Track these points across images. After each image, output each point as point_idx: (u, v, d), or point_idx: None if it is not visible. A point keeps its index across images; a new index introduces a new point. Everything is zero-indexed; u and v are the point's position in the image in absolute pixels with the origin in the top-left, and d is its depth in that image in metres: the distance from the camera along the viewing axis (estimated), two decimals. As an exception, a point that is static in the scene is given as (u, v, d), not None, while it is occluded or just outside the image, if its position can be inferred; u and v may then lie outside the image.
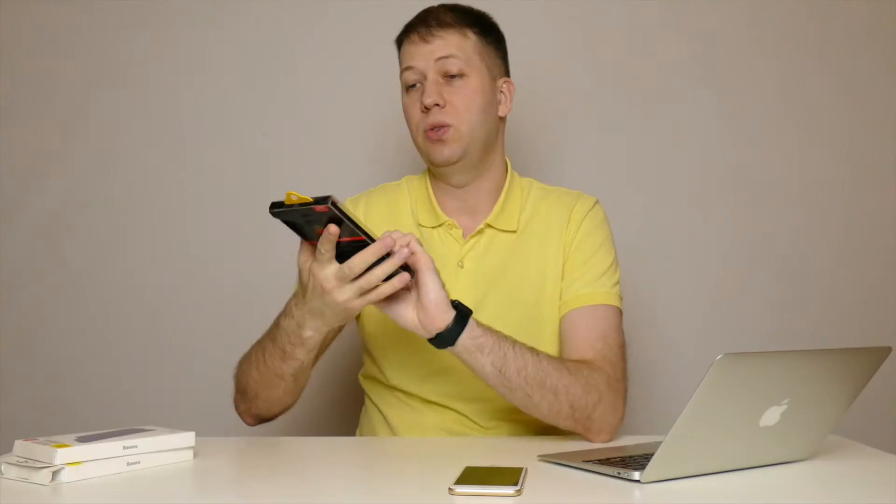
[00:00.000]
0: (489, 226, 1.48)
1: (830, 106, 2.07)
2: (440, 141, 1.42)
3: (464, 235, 1.49)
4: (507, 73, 1.52)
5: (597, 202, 1.52)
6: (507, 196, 1.50)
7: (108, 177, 2.05)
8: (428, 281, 1.20)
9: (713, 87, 2.06)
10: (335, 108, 2.05)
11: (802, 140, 2.07)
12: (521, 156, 1.98)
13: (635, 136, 2.06)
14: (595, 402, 1.30)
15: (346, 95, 2.05)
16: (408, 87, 1.46)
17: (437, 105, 1.41)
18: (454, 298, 1.25)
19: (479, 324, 1.24)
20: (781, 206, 2.07)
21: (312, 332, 1.26)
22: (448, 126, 1.41)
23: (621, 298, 1.46)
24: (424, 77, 1.43)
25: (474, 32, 1.45)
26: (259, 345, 1.38)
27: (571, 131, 2.05)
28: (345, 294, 1.17)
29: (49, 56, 2.06)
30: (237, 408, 1.46)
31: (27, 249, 2.05)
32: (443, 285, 1.22)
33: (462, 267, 1.46)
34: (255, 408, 1.43)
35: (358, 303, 1.18)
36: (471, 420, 1.45)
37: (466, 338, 1.23)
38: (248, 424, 1.47)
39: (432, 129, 1.41)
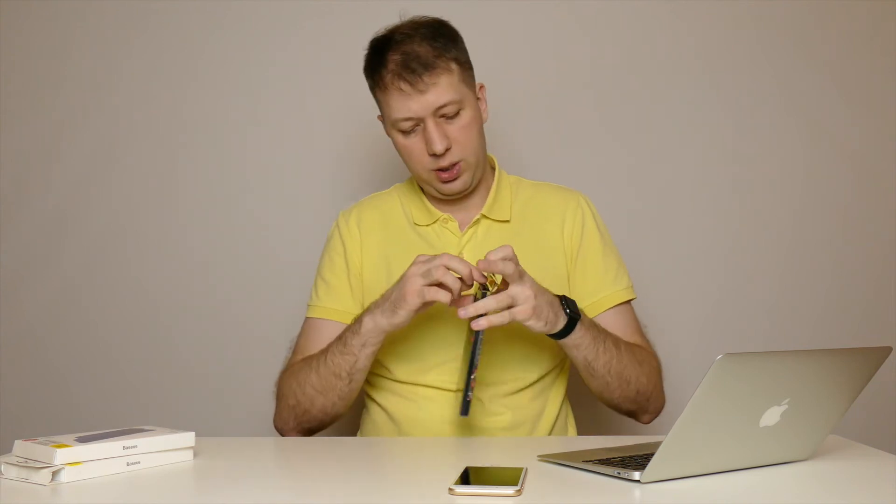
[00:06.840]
0: (484, 216, 1.54)
1: (831, 106, 2.07)
2: (453, 179, 1.47)
3: (460, 228, 1.54)
4: (473, 75, 1.51)
5: (587, 198, 1.60)
6: (497, 189, 1.56)
7: (108, 177, 2.05)
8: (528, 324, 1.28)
9: (713, 88, 2.06)
10: (338, 108, 2.05)
11: (802, 140, 2.07)
12: (519, 156, 1.98)
13: (634, 136, 2.06)
14: (653, 389, 1.46)
15: (349, 94, 2.04)
16: (403, 131, 1.45)
17: (448, 149, 1.43)
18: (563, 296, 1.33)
19: (581, 325, 1.34)
20: (781, 207, 2.07)
21: (373, 325, 1.35)
22: (458, 163, 1.45)
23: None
24: (422, 121, 1.42)
25: (454, 61, 1.43)
26: (320, 352, 1.44)
27: (571, 132, 2.05)
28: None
29: (49, 56, 2.06)
30: (284, 425, 1.48)
31: (27, 249, 2.05)
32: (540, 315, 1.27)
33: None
34: (307, 420, 1.46)
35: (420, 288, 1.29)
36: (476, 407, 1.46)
37: (568, 339, 1.35)
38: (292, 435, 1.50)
39: (444, 171, 1.45)
